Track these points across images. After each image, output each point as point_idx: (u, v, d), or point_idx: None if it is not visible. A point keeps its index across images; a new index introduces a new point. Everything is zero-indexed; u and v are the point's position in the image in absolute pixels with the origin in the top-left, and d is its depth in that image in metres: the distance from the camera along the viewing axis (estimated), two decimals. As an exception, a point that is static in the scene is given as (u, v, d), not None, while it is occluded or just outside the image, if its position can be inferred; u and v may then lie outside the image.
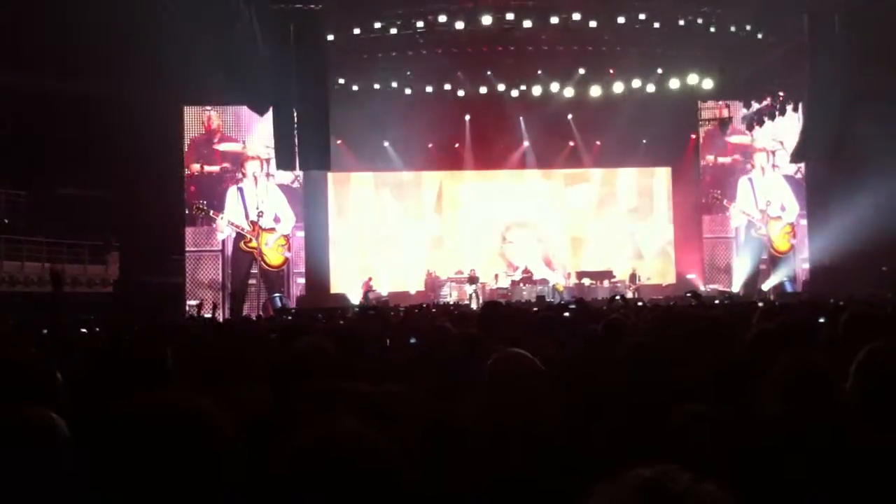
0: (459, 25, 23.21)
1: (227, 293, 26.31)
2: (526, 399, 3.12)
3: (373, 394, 2.69)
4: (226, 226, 26.91)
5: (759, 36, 23.85)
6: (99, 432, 1.89)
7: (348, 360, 4.24)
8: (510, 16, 23.13)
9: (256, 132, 26.24)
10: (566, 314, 8.59)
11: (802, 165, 27.08)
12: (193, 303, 24.14)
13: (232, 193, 27.20)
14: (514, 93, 26.22)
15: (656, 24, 23.07)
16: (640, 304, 15.69)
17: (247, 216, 27.01)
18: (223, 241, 27.03)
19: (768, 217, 28.25)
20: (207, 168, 27.33)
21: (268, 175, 27.06)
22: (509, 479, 2.68)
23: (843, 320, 4.52)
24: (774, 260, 28.07)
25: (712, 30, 23.46)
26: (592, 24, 23.05)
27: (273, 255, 26.92)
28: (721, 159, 28.64)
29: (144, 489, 1.77)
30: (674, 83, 25.84)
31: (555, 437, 3.01)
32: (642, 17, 22.95)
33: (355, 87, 25.60)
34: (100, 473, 1.82)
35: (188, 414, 1.88)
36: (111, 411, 1.90)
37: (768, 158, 28.52)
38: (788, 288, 26.63)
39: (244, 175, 27.22)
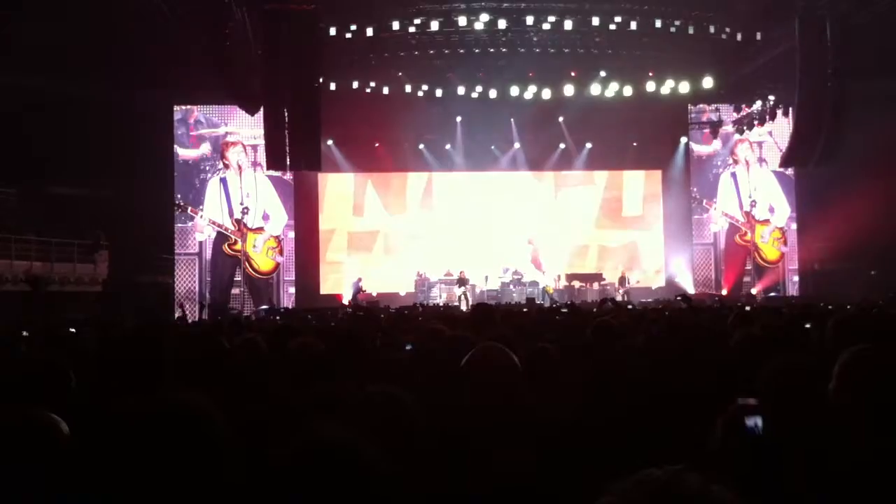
0: (451, 27, 23.22)
1: (207, 304, 22.50)
2: (502, 391, 3.15)
3: (368, 396, 2.71)
4: (206, 225, 24.87)
5: (750, 40, 23.92)
6: (100, 431, 1.91)
7: (341, 361, 4.26)
8: (502, 18, 23.17)
9: (241, 114, 24.21)
10: (557, 317, 8.62)
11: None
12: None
13: (213, 186, 25.02)
14: (506, 94, 26.22)
15: (648, 28, 23.10)
16: (629, 307, 15.71)
17: (231, 213, 24.99)
18: (201, 244, 25.08)
19: (754, 221, 27.66)
20: (183, 153, 25.19)
21: (255, 165, 25.24)
22: (500, 479, 2.69)
23: (831, 324, 4.56)
24: (760, 269, 27.48)
25: (703, 34, 23.51)
26: (583, 26, 23.08)
27: (262, 259, 25.02)
28: (698, 148, 28.09)
29: (146, 487, 1.78)
30: (664, 86, 25.87)
31: (541, 432, 3.03)
32: (634, 20, 22.99)
33: (347, 87, 25.55)
34: (103, 472, 1.84)
35: (189, 413, 1.90)
36: (112, 411, 1.92)
37: (753, 151, 27.88)
38: (777, 292, 26.59)
39: (227, 164, 25.05)
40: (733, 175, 27.80)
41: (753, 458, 2.73)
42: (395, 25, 22.95)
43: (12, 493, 2.02)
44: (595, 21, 22.84)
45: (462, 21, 22.96)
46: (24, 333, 8.64)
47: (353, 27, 22.82)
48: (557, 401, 3.51)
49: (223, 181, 25.25)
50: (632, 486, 1.33)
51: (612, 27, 22.99)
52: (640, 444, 2.83)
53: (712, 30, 23.35)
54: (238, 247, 24.99)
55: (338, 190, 28.29)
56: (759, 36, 23.70)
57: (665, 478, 1.33)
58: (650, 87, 25.91)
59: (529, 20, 22.90)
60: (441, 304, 24.23)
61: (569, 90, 25.93)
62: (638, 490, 1.32)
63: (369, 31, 22.89)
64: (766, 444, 2.75)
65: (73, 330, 10.18)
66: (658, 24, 23.03)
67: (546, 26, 23.02)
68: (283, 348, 4.43)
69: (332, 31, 22.52)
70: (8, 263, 21.79)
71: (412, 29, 23.25)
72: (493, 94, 26.18)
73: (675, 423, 3.05)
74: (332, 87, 24.81)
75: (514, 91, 26.11)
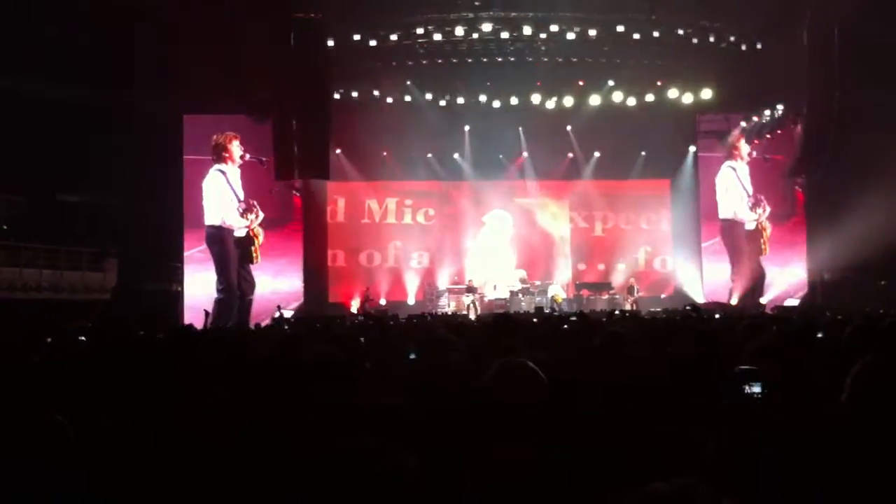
0: (459, 35, 23.28)
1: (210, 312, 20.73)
2: (528, 406, 3.15)
3: (379, 404, 2.71)
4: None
5: (759, 49, 23.89)
6: (107, 436, 1.92)
7: (352, 369, 4.26)
8: (508, 27, 23.22)
9: None
10: (565, 326, 8.63)
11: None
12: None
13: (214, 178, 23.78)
14: (514, 103, 26.26)
15: (656, 36, 23.13)
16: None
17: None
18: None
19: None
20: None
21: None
22: (516, 487, 2.69)
23: (847, 333, 4.54)
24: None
25: (712, 42, 23.50)
26: (592, 35, 23.12)
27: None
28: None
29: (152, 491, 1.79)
30: (673, 95, 25.88)
31: (559, 443, 3.03)
32: (642, 28, 23.02)
33: (355, 97, 25.62)
34: (107, 475, 1.84)
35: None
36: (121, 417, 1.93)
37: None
38: (787, 301, 26.40)
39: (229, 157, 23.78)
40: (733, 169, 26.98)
41: (752, 465, 2.73)
42: (403, 35, 23.01)
43: (18, 494, 2.03)
44: (603, 29, 22.87)
45: (469, 31, 23.01)
46: (48, 340, 8.75)
47: (360, 36, 22.87)
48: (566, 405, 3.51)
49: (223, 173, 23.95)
50: (639, 499, 1.32)
51: (620, 35, 23.01)
52: (645, 451, 2.83)
53: (721, 39, 23.34)
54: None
55: (356, 205, 28.36)
56: (767, 45, 23.66)
57: (673, 492, 1.31)
58: (658, 96, 25.91)
59: (536, 28, 22.94)
60: (449, 312, 24.20)
61: (576, 99, 25.95)
62: None
63: (376, 41, 22.95)
64: (765, 451, 2.75)
65: (82, 338, 10.23)
66: (666, 32, 23.04)
67: (553, 35, 23.05)
68: (293, 358, 4.44)
69: (340, 40, 22.57)
70: (17, 271, 21.85)
71: (420, 38, 23.30)
72: (500, 103, 26.23)
73: (678, 430, 3.05)
74: (340, 96, 24.87)
75: (522, 100, 26.14)
